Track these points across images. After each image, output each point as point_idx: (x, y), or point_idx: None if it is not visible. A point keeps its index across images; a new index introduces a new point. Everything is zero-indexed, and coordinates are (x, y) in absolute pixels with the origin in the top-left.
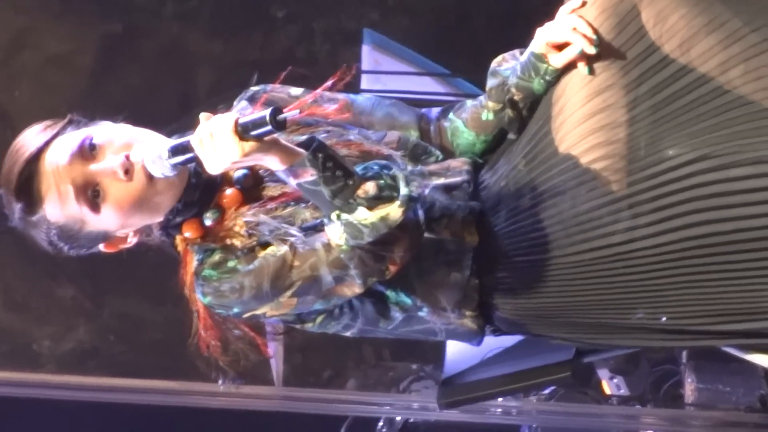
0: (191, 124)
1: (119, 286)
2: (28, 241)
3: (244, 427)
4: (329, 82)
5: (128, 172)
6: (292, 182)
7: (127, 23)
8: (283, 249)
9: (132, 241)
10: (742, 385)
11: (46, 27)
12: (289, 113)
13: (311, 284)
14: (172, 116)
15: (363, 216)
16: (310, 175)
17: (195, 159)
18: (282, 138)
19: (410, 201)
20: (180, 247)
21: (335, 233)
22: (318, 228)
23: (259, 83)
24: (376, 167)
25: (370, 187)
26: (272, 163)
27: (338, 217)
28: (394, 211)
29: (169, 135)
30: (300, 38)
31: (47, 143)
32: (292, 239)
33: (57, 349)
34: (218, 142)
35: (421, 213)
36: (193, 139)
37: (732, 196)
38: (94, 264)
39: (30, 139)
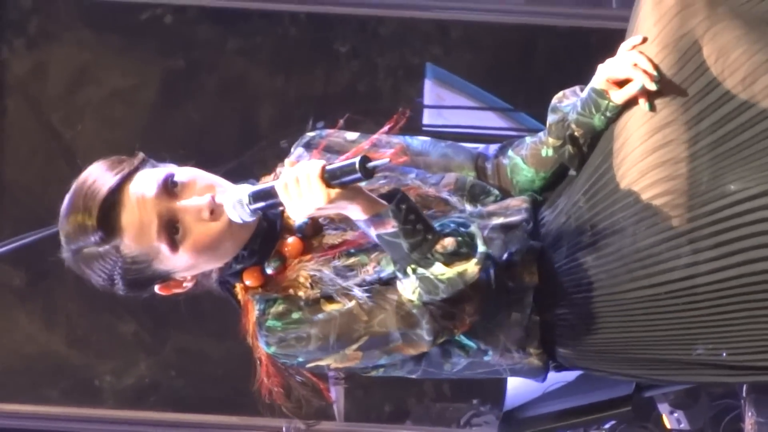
0: (254, 160)
1: (180, 321)
2: (79, 279)
3: None
4: (386, 128)
5: (213, 212)
6: (372, 233)
7: (190, 59)
8: (352, 302)
9: (187, 285)
10: None
11: (109, 62)
12: (379, 161)
13: (378, 339)
14: (235, 152)
15: (440, 271)
16: (391, 227)
17: (278, 205)
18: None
19: (486, 259)
20: (240, 296)
21: (409, 288)
22: (384, 281)
23: (318, 121)
24: (452, 225)
25: (448, 243)
26: (355, 212)
27: (414, 271)
28: (471, 267)
29: (231, 171)
30: (363, 73)
31: (130, 174)
32: (359, 294)
33: (118, 384)
34: (304, 188)
35: (492, 273)
36: (278, 184)
37: None
38: (154, 299)
39: (101, 172)
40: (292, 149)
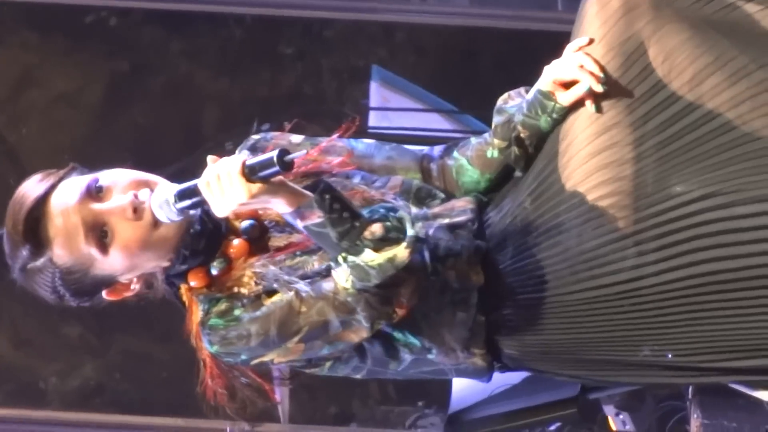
0: (199, 162)
1: (126, 324)
2: (29, 293)
3: None
4: (335, 136)
5: (137, 210)
6: (299, 224)
7: (135, 61)
8: (289, 295)
9: (135, 288)
10: (747, 421)
11: (53, 65)
12: (296, 154)
13: (318, 329)
14: (179, 153)
15: (370, 258)
16: (317, 217)
17: (202, 203)
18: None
19: (417, 242)
20: (185, 297)
21: (342, 276)
22: (323, 274)
23: (263, 123)
24: (382, 210)
25: (376, 229)
26: (279, 205)
27: (345, 259)
28: (401, 252)
29: (176, 173)
30: (308, 75)
31: (53, 186)
32: (298, 287)
33: (63, 386)
34: (225, 185)
35: (426, 255)
36: (200, 182)
37: (738, 234)
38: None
39: (33, 185)
40: (237, 151)
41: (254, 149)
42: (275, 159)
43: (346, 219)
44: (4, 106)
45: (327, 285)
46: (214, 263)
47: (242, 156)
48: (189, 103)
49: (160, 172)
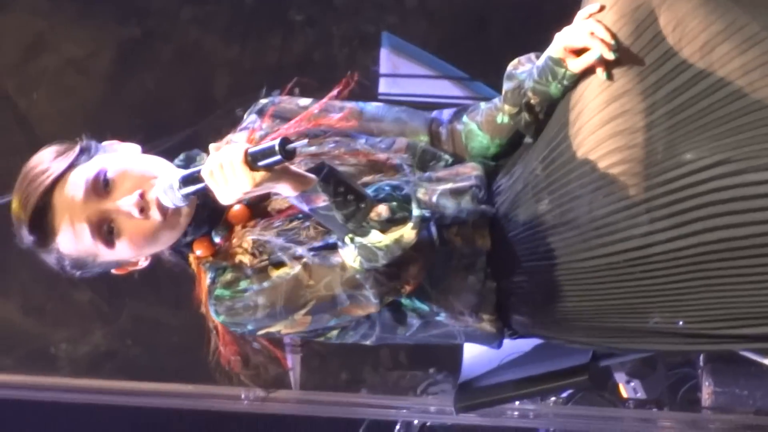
0: (209, 129)
1: (136, 290)
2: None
3: (261, 431)
4: (334, 92)
5: (143, 210)
6: (305, 208)
7: (145, 27)
8: (297, 268)
9: (143, 264)
10: (759, 388)
11: (64, 30)
12: (298, 143)
13: (326, 303)
14: (190, 120)
15: (377, 239)
16: (322, 201)
17: (205, 189)
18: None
19: (423, 222)
20: (193, 265)
21: (350, 256)
22: (330, 247)
23: (274, 89)
24: (387, 188)
25: (382, 210)
26: (284, 190)
27: (352, 240)
28: (407, 232)
29: (187, 139)
30: (318, 42)
31: (62, 175)
32: (305, 259)
33: (74, 352)
34: (229, 174)
35: (434, 230)
36: (204, 170)
37: (748, 201)
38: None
39: (42, 167)
40: (245, 115)
41: (262, 113)
42: (277, 148)
43: (351, 201)
44: (15, 72)
45: (335, 259)
46: (217, 231)
47: (244, 145)
48: (199, 69)
49: (169, 138)
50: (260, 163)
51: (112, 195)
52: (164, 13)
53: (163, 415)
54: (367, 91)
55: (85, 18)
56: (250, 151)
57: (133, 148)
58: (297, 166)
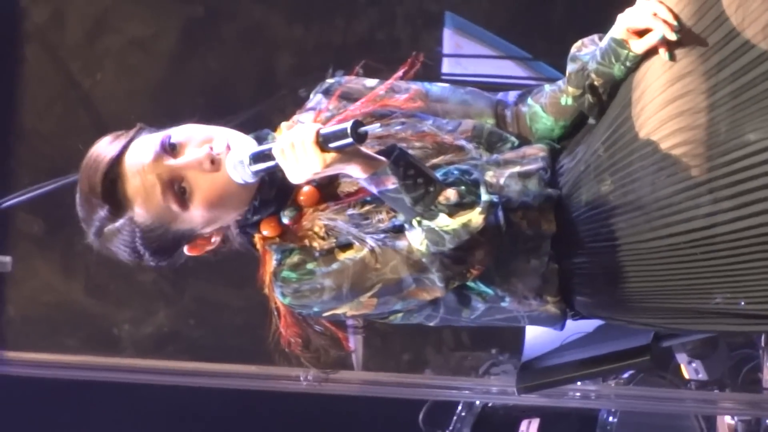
0: (273, 109)
1: (199, 271)
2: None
3: (324, 411)
4: (400, 72)
5: (214, 162)
6: (374, 190)
7: (209, 7)
8: (364, 251)
9: (215, 240)
10: None
11: (127, 10)
12: (370, 127)
13: (392, 287)
14: (253, 100)
15: (444, 223)
16: (391, 183)
17: (276, 167)
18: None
19: (491, 207)
20: (259, 246)
21: (416, 239)
22: (397, 229)
23: (338, 69)
24: (456, 172)
25: (451, 194)
26: (354, 171)
27: (419, 223)
28: (475, 217)
29: (250, 120)
30: (381, 22)
31: (125, 146)
32: (372, 242)
33: (137, 333)
34: (300, 154)
35: (501, 216)
36: (275, 148)
37: None
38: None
39: (105, 147)
40: (311, 95)
41: (327, 93)
42: (349, 130)
43: (420, 185)
44: (80, 52)
45: (401, 243)
46: (286, 212)
47: (315, 125)
48: (263, 49)
49: (233, 118)
50: (331, 145)
51: (179, 155)
52: None
53: (226, 395)
54: (430, 71)
55: None
56: (321, 132)
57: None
58: (365, 148)
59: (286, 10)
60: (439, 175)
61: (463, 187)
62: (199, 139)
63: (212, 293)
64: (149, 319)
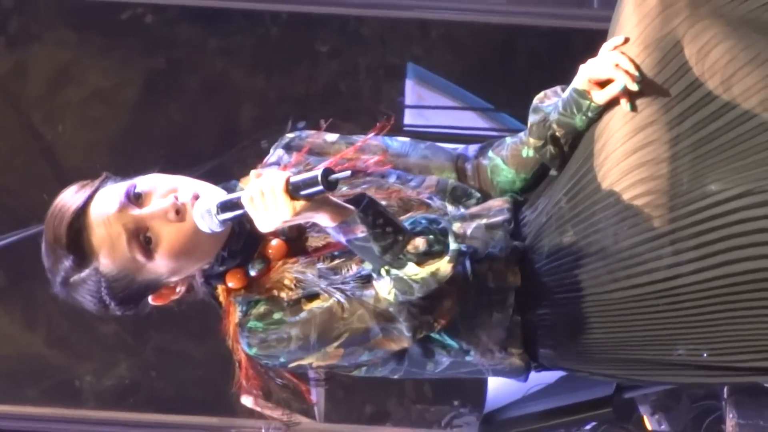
0: (235, 160)
1: (161, 323)
2: (72, 306)
3: None
4: (370, 135)
5: (179, 212)
6: (342, 239)
7: (171, 58)
8: (331, 301)
9: (180, 290)
10: None
11: (89, 62)
12: (341, 174)
13: (359, 336)
14: (215, 151)
15: (413, 271)
16: (360, 232)
17: (244, 216)
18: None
19: (459, 256)
20: (221, 297)
21: (384, 288)
22: (364, 278)
23: (299, 121)
24: (424, 221)
25: (420, 243)
26: (322, 219)
27: (387, 272)
28: (444, 266)
29: (212, 171)
30: (343, 73)
31: (90, 197)
32: (339, 295)
33: (98, 385)
34: (269, 202)
35: (468, 265)
36: (244, 197)
37: None
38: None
39: (70, 197)
40: (271, 150)
41: (289, 148)
42: (320, 178)
43: (389, 233)
44: (41, 103)
45: (368, 292)
46: (253, 264)
47: (285, 173)
48: (225, 100)
49: (195, 170)
50: (302, 193)
51: (144, 205)
52: (190, 44)
53: None
54: (392, 122)
55: (111, 49)
56: (291, 180)
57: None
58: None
59: (248, 62)
60: (407, 224)
61: (431, 236)
62: (164, 189)
63: (174, 345)
64: (111, 370)
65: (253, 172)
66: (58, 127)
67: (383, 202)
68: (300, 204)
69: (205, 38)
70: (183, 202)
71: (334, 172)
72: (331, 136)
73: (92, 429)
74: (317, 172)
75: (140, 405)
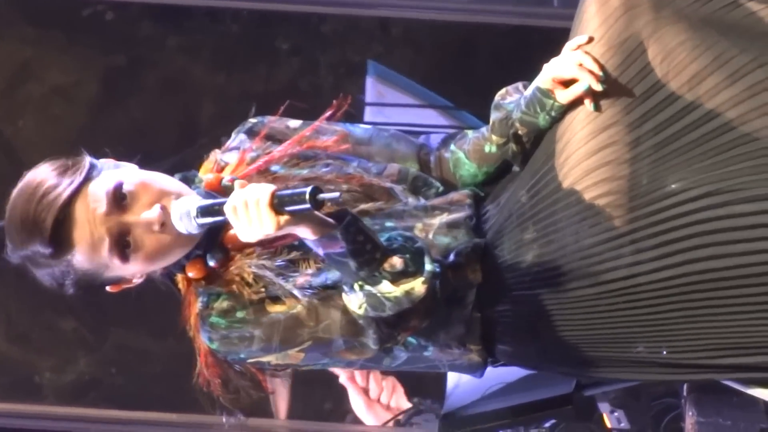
0: (195, 157)
1: (121, 319)
2: (27, 274)
3: None
4: (327, 114)
5: (164, 224)
6: (320, 251)
7: (131, 55)
8: (298, 307)
9: (137, 281)
10: (743, 419)
11: (50, 59)
12: (330, 195)
13: (322, 346)
14: (176, 148)
15: (387, 289)
16: (339, 247)
17: (224, 223)
18: (283, 172)
19: (434, 277)
20: (181, 285)
21: (355, 302)
22: (330, 287)
23: (258, 115)
24: (400, 239)
25: (397, 263)
26: (303, 233)
27: (361, 287)
28: (418, 286)
29: (172, 167)
30: (304, 70)
31: (79, 189)
32: (306, 298)
33: (58, 380)
34: (253, 214)
35: (437, 283)
36: (227, 206)
37: (735, 232)
38: (96, 296)
39: (52, 180)
40: (233, 134)
41: (250, 133)
42: (307, 197)
43: (367, 251)
44: (0, 100)
45: (338, 302)
46: (212, 254)
47: (271, 186)
48: (185, 97)
49: (155, 166)
50: (287, 209)
51: (131, 208)
52: (150, 41)
53: None
54: (352, 119)
55: (71, 46)
56: (277, 193)
57: (131, 167)
58: (290, 182)
59: (209, 59)
60: (382, 238)
61: (408, 255)
62: (151, 195)
63: (134, 341)
64: (70, 366)
65: (237, 182)
66: (18, 123)
67: (345, 187)
68: (284, 219)
69: (166, 36)
70: (170, 212)
71: (322, 191)
72: (294, 122)
73: (52, 425)
74: (305, 189)
75: (100, 401)
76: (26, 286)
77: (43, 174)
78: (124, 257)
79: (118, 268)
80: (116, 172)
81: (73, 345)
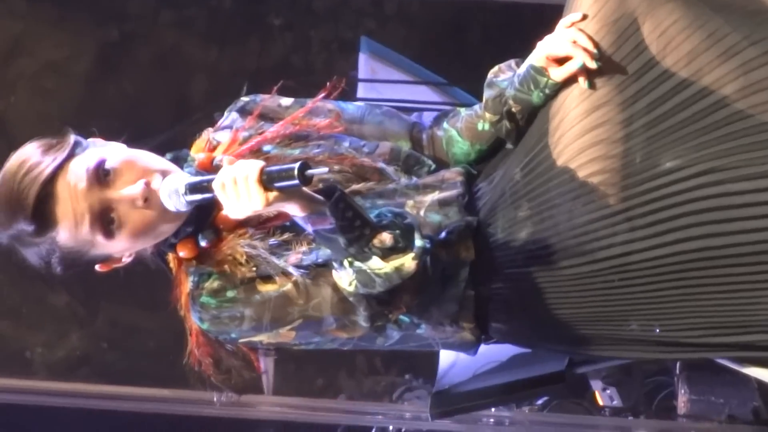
0: (187, 132)
1: (113, 294)
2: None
3: None
4: (321, 95)
5: (147, 199)
6: (309, 228)
7: (124, 30)
8: (288, 285)
9: (126, 260)
10: (735, 397)
11: (42, 33)
12: (318, 170)
13: (313, 323)
14: (168, 123)
15: (377, 266)
16: (328, 223)
17: (213, 200)
18: (275, 152)
19: (424, 253)
20: (172, 265)
21: (345, 279)
22: (321, 265)
23: (252, 93)
24: (390, 215)
25: (386, 238)
26: (292, 209)
27: (351, 264)
28: (408, 262)
29: (165, 142)
30: (296, 46)
31: (61, 165)
32: (296, 276)
33: (49, 356)
34: (242, 190)
35: (428, 260)
36: (216, 182)
37: (732, 210)
38: (87, 271)
39: (35, 159)
40: (225, 113)
41: (243, 111)
42: (296, 172)
43: (356, 227)
44: None
45: (328, 279)
46: (204, 234)
47: (260, 162)
48: (177, 73)
49: (148, 141)
50: (276, 185)
51: (114, 184)
52: (143, 16)
53: (138, 419)
54: (345, 96)
55: (63, 21)
56: (266, 170)
57: (118, 146)
58: (282, 162)
59: (201, 34)
60: (372, 214)
61: (397, 231)
62: (135, 172)
63: (125, 316)
64: (62, 342)
65: (226, 158)
66: (10, 99)
67: (336, 167)
68: (273, 195)
69: (158, 10)
70: (154, 188)
71: (310, 167)
72: (286, 101)
73: (43, 400)
74: (293, 165)
75: (91, 376)
76: (17, 260)
77: (27, 152)
78: (109, 233)
79: (103, 246)
80: (100, 150)
81: (64, 320)
